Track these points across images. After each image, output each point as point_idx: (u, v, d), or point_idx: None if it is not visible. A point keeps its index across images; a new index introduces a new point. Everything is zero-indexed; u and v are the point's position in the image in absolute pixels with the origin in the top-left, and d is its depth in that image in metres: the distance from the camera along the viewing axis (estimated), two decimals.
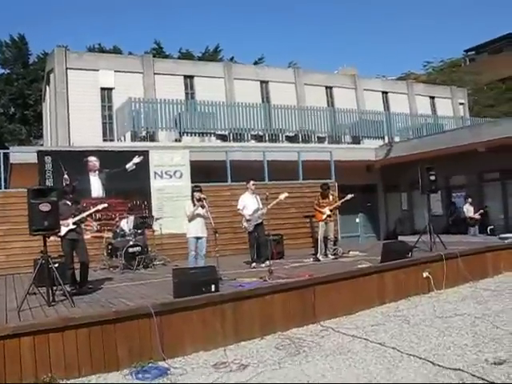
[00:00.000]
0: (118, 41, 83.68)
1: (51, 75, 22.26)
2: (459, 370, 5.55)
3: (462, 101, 31.45)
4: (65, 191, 9.02)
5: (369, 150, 22.37)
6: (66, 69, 20.90)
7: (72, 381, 6.06)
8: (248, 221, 11.57)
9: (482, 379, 5.24)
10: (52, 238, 8.24)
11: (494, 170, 19.26)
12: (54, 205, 7.63)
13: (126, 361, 6.49)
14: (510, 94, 39.49)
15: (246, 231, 11.82)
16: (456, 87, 31.93)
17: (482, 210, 18.52)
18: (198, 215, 9.92)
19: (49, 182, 13.07)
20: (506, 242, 12.86)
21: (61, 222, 8.06)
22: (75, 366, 6.19)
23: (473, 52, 49.53)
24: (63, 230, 8.38)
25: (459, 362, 5.85)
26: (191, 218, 9.94)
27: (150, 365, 6.47)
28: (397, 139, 23.95)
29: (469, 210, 18.62)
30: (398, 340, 7.00)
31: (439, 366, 5.76)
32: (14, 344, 5.88)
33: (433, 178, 11.97)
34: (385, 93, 28.08)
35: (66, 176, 13.30)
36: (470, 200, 18.70)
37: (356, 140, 23.55)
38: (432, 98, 29.81)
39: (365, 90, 27.12)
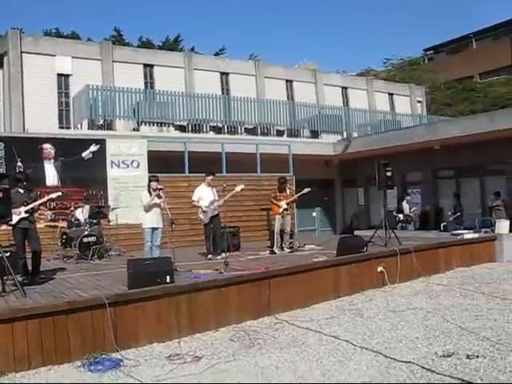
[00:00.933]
0: (77, 27, 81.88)
1: (5, 58, 21.57)
2: (410, 362, 5.66)
3: (420, 99, 31.99)
4: (17, 179, 8.77)
5: (327, 145, 22.53)
6: (21, 53, 20.34)
7: (21, 373, 5.92)
8: (204, 212, 11.51)
9: (431, 371, 5.35)
10: (3, 227, 8.04)
11: (449, 167, 19.70)
12: (6, 192, 7.45)
13: (78, 352, 6.38)
14: (465, 93, 40.36)
15: (202, 223, 11.76)
16: (414, 85, 32.46)
17: (415, 208, 19.21)
18: (155, 206, 9.82)
19: (1, 169, 12.78)
20: (458, 238, 13.17)
21: (12, 211, 7.86)
22: (25, 358, 6.05)
23: (431, 51, 50.39)
24: (15, 219, 8.17)
25: (410, 354, 5.97)
26: (147, 209, 9.83)
27: (102, 356, 6.39)
28: (355, 135, 24.20)
29: (405, 208, 19.21)
30: (352, 333, 7.08)
31: (391, 358, 5.86)
32: None
33: (389, 173, 12.14)
34: (344, 88, 28.32)
35: (19, 163, 12.99)
36: (408, 198, 19.30)
37: (315, 134, 23.69)
38: (391, 94, 30.25)
39: (325, 84, 27.31)
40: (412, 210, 19.37)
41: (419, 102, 31.83)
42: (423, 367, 5.47)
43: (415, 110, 30.56)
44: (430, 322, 7.47)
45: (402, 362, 5.70)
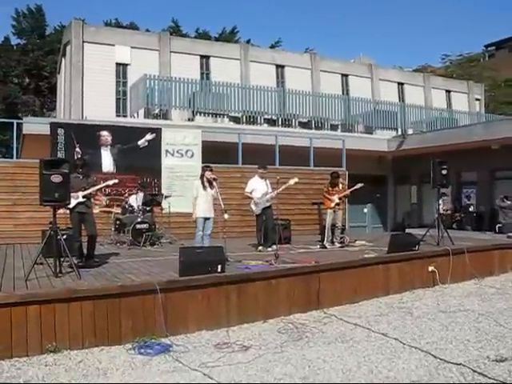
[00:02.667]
0: (135, 17, 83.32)
1: (67, 48, 22.25)
2: (460, 364, 5.55)
3: (479, 96, 31.19)
4: (76, 164, 9.02)
5: (381, 141, 22.22)
6: (83, 42, 20.92)
7: (75, 351, 6.11)
8: (256, 204, 11.54)
9: (483, 375, 5.24)
10: (61, 211, 8.26)
11: (508, 168, 19.11)
12: (66, 177, 7.66)
13: (129, 335, 6.54)
14: None
15: (254, 214, 11.80)
16: (473, 82, 31.66)
17: (446, 208, 19.12)
18: (208, 195, 9.90)
19: (60, 154, 13.09)
20: None
21: (71, 195, 8.07)
22: (79, 337, 6.25)
23: (493, 47, 49.02)
24: (73, 203, 8.39)
25: (461, 357, 5.86)
26: (200, 198, 9.92)
27: (152, 340, 6.51)
28: (410, 131, 23.80)
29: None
30: (401, 331, 7.02)
31: (441, 359, 5.77)
32: (21, 311, 5.95)
33: (445, 172, 11.89)
34: (401, 84, 27.90)
35: (77, 149, 13.35)
36: (444, 198, 19.03)
37: (369, 130, 23.41)
38: (448, 91, 29.60)
39: (381, 79, 26.99)
40: (445, 209, 19.15)
41: (477, 99, 31.04)
42: (474, 370, 5.36)
43: (473, 108, 29.81)
44: (482, 324, 7.31)
45: (452, 363, 5.60)
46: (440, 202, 19.03)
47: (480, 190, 20.29)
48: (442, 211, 18.87)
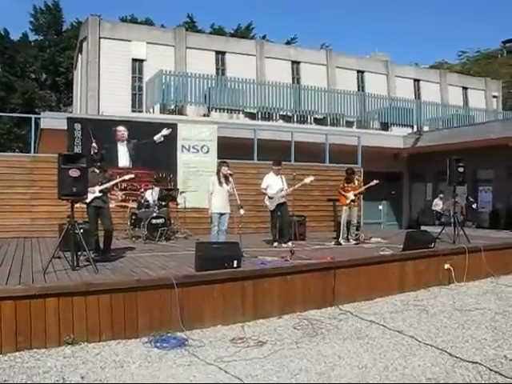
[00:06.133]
0: (151, 13, 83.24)
1: (84, 44, 22.39)
2: (477, 363, 5.53)
3: (496, 93, 30.93)
4: (93, 159, 9.07)
5: (397, 138, 22.18)
6: (99, 38, 21.05)
7: (93, 344, 6.17)
8: (270, 199, 11.51)
9: (500, 374, 5.21)
10: (77, 205, 8.31)
11: None
12: (83, 171, 7.72)
13: (145, 329, 6.58)
14: None
15: (269, 210, 11.78)
16: (490, 79, 31.40)
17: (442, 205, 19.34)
18: (223, 191, 9.91)
19: (77, 149, 13.16)
20: None
21: (88, 189, 8.13)
22: (96, 330, 6.31)
23: (511, 44, 48.54)
24: (90, 197, 8.44)
25: (477, 355, 5.83)
26: (216, 194, 9.94)
27: (168, 334, 6.55)
28: (426, 128, 23.71)
29: (437, 204, 19.78)
30: (416, 329, 6.99)
31: (457, 357, 5.74)
32: (40, 304, 6.00)
33: (461, 169, 11.79)
34: (417, 81, 27.78)
35: (94, 144, 13.40)
36: (441, 195, 19.24)
37: (384, 127, 23.36)
38: (465, 88, 29.40)
39: (396, 76, 26.86)
40: (443, 208, 19.36)
41: (495, 96, 30.80)
42: (491, 369, 5.33)
43: (490, 105, 29.61)
44: (498, 323, 7.27)
45: (469, 362, 5.58)
46: (437, 200, 19.47)
47: (496, 188, 20.14)
48: (438, 209, 19.29)
